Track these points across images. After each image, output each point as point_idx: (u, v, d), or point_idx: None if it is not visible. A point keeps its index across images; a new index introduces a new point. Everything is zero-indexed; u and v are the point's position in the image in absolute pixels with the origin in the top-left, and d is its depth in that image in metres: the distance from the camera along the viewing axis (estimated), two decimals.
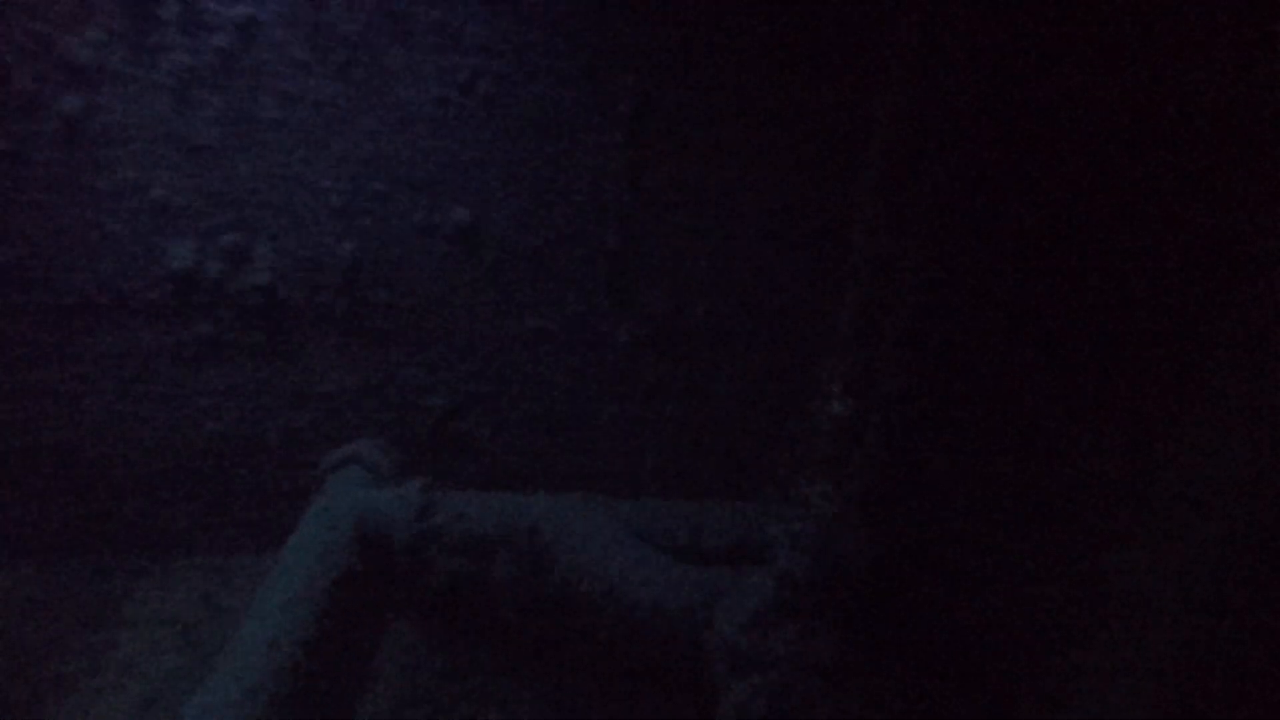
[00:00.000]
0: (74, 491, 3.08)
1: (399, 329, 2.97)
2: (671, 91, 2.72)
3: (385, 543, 2.65)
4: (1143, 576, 1.61)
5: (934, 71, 1.58)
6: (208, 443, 3.07)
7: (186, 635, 2.84)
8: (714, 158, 2.79)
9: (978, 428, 1.80)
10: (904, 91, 1.61)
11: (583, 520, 2.72)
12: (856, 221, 1.81)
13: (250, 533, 3.16)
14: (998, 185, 1.64)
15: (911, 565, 1.92)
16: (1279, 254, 1.53)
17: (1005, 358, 1.73)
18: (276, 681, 2.03)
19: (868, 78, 2.62)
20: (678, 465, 3.11)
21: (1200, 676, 1.53)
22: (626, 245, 2.89)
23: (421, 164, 2.80)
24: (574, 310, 2.96)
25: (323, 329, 2.96)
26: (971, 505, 1.84)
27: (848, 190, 2.79)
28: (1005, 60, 1.55)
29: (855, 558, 1.92)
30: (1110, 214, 1.63)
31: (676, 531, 2.81)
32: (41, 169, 2.69)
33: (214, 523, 3.16)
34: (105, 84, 2.64)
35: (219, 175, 2.77)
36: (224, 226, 2.82)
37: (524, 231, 2.88)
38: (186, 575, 3.07)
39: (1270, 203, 1.55)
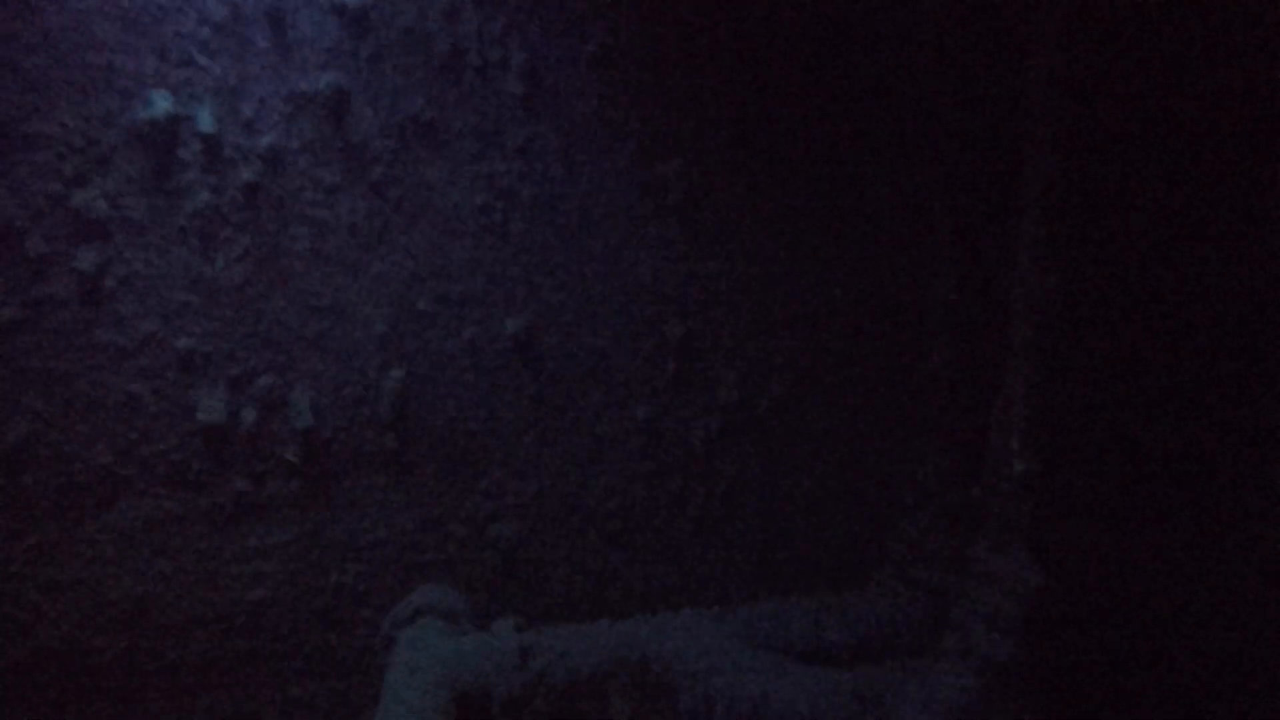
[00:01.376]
0: (93, 696, 2.68)
1: (455, 457, 2.72)
2: (724, 174, 2.64)
3: (484, 699, 2.32)
4: None
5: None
6: (250, 614, 2.72)
7: None
8: (773, 237, 2.69)
9: (1167, 478, 1.65)
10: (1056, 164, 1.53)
11: (698, 639, 2.45)
12: (1016, 279, 1.69)
13: (308, 713, 2.78)
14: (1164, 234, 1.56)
15: (1114, 632, 1.72)
16: None
17: (1183, 402, 1.60)
18: None
19: (922, 152, 2.59)
20: (770, 565, 2.87)
21: None
22: (690, 336, 2.74)
23: (469, 276, 2.63)
24: (643, 412, 2.77)
25: (372, 468, 2.69)
26: (1167, 559, 1.67)
27: (912, 261, 2.71)
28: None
29: (1059, 630, 1.71)
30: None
31: (796, 633, 2.56)
32: (54, 333, 2.44)
33: (263, 707, 2.77)
34: (123, 234, 2.43)
35: (249, 316, 2.55)
36: (257, 371, 2.58)
37: (583, 334, 2.71)
38: None
39: None
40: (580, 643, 2.43)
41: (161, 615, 2.70)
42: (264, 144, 2.45)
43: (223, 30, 2.39)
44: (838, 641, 2.51)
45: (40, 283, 2.37)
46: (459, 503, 2.75)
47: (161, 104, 2.33)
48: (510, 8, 2.50)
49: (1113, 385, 1.64)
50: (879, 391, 2.74)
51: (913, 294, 2.65)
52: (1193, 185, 1.64)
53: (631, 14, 2.48)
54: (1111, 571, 1.71)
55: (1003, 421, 1.78)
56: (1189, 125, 1.63)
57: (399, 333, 2.63)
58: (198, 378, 2.55)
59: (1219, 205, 1.69)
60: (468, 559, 2.77)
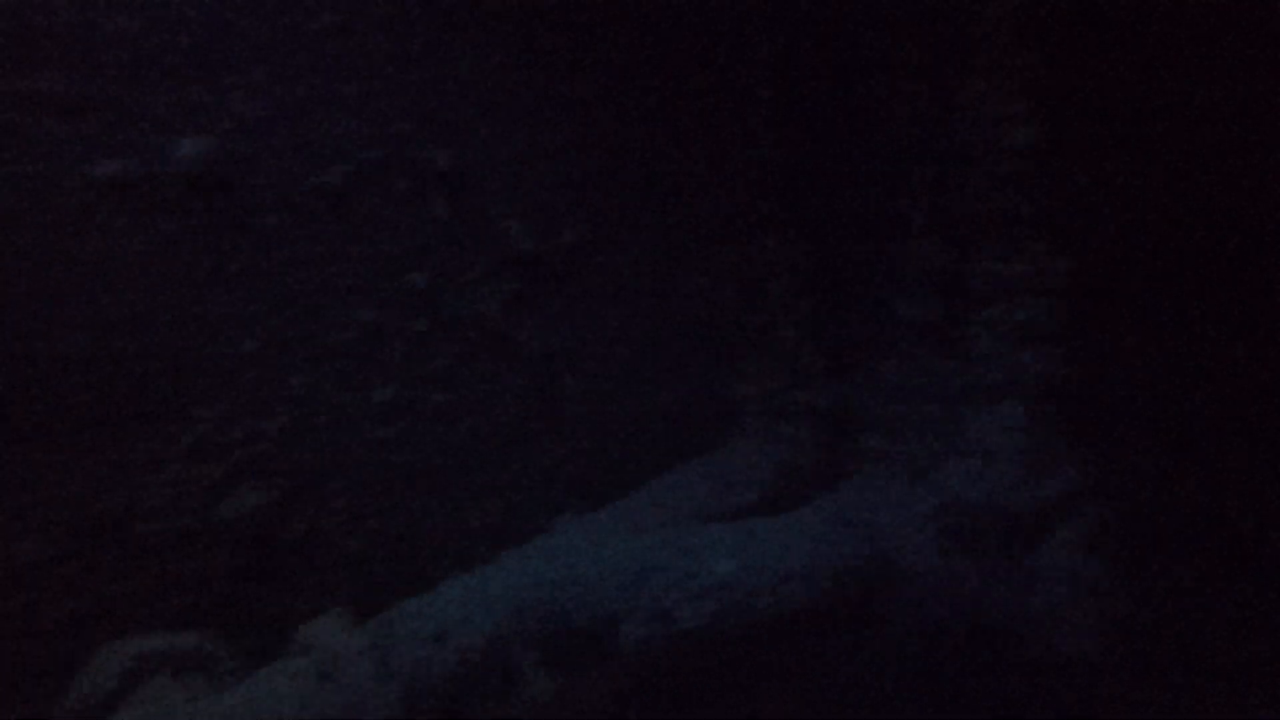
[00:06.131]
0: None
1: (121, 400, 1.55)
2: None
3: None
4: None
5: None
6: None
7: None
8: (554, 24, 2.04)
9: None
10: None
11: (603, 548, 1.75)
12: None
13: None
14: None
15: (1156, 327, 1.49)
16: None
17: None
18: None
19: None
20: (614, 446, 2.24)
21: None
22: (466, 164, 1.96)
23: (89, 72, 1.48)
24: (421, 279, 1.91)
25: None
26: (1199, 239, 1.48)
27: (723, 33, 2.26)
28: None
29: (1102, 331, 1.45)
30: None
31: (700, 508, 1.99)
32: None
33: None
34: None
35: None
36: None
37: (306, 167, 1.75)
38: None
39: None
40: (452, 610, 1.55)
41: None
42: None
43: None
44: (749, 500, 2.01)
45: None
46: (151, 476, 1.57)
47: None
48: None
49: (1128, 31, 1.41)
50: (698, 206, 2.27)
51: (723, 74, 2.21)
52: None
53: None
54: (1143, 256, 1.49)
55: (993, 88, 1.45)
56: None
57: None
58: None
59: None
60: (181, 571, 1.61)
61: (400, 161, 1.88)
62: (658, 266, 2.27)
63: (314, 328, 1.77)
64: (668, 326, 2.30)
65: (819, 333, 2.16)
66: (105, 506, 1.51)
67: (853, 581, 1.61)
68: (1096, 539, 1.43)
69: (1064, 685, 1.31)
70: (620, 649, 1.62)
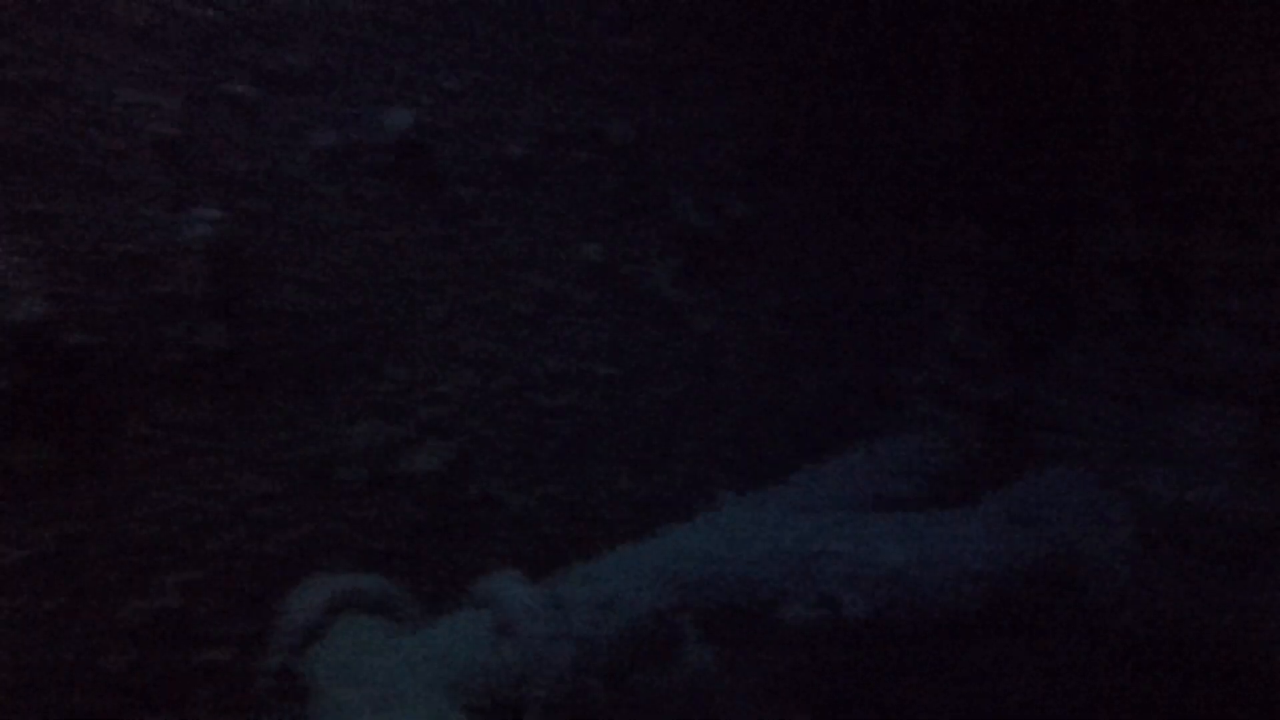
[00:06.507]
0: None
1: (325, 355, 1.65)
2: None
3: (512, 700, 1.37)
4: None
5: None
6: None
7: None
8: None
9: None
10: None
11: (764, 530, 1.73)
12: None
13: None
14: None
15: None
16: None
17: None
18: None
19: None
20: (775, 429, 2.21)
21: None
22: (640, 138, 1.97)
23: (306, 42, 1.58)
24: (594, 251, 1.94)
25: (180, 392, 1.52)
26: None
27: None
28: None
29: None
30: None
31: (858, 493, 1.94)
32: None
33: None
34: None
35: None
36: None
37: (495, 139, 1.80)
38: None
39: None
40: (618, 579, 1.57)
41: None
42: None
43: None
44: (915, 491, 1.94)
45: None
46: (344, 429, 1.68)
47: None
48: None
49: None
50: (867, 187, 2.20)
51: (902, 50, 2.14)
52: None
53: None
54: None
55: (1250, 51, 1.30)
56: None
57: (199, 138, 1.50)
58: None
59: None
60: (369, 518, 1.71)
61: (579, 135, 1.91)
62: (823, 248, 2.22)
63: (494, 296, 1.83)
64: (832, 309, 2.24)
65: (992, 322, 2.05)
66: (309, 453, 1.63)
67: (1032, 583, 1.53)
68: None
69: None
70: (783, 630, 1.61)
